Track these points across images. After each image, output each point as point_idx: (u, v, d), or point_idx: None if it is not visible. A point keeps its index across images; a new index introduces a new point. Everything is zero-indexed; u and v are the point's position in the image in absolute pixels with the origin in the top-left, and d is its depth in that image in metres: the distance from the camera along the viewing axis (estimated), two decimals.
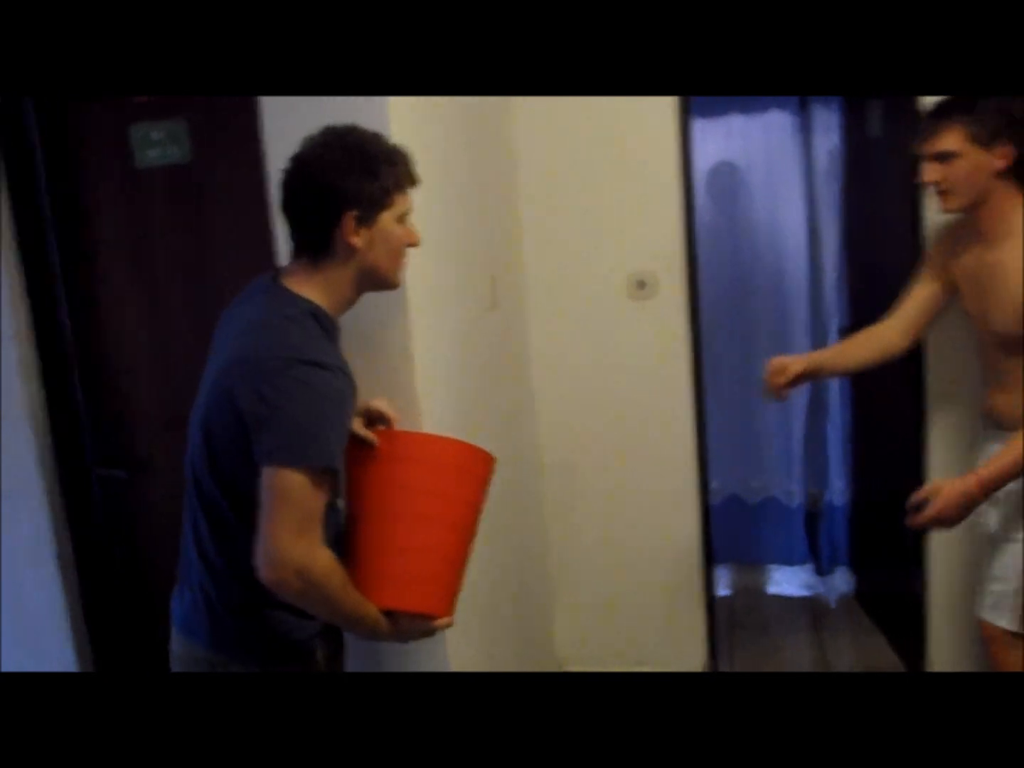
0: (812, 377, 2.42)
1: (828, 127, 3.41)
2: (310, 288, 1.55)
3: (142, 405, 2.34)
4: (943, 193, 2.08)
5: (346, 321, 1.66)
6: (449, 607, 1.70)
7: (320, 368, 1.46)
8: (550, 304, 2.94)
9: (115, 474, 2.37)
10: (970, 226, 2.15)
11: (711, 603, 3.04)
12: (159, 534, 2.38)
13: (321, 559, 1.47)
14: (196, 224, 2.21)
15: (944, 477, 2.32)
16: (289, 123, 1.88)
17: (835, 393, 3.63)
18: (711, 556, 3.02)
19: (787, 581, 3.77)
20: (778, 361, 2.33)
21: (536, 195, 2.88)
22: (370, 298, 1.69)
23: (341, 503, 1.68)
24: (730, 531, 3.87)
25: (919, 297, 2.34)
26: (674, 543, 3.01)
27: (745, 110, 3.60)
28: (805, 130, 3.49)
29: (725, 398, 3.71)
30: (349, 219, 1.51)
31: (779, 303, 3.69)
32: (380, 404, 1.76)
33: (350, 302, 1.61)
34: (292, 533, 1.43)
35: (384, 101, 1.81)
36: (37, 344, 2.32)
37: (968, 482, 1.93)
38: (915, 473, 2.78)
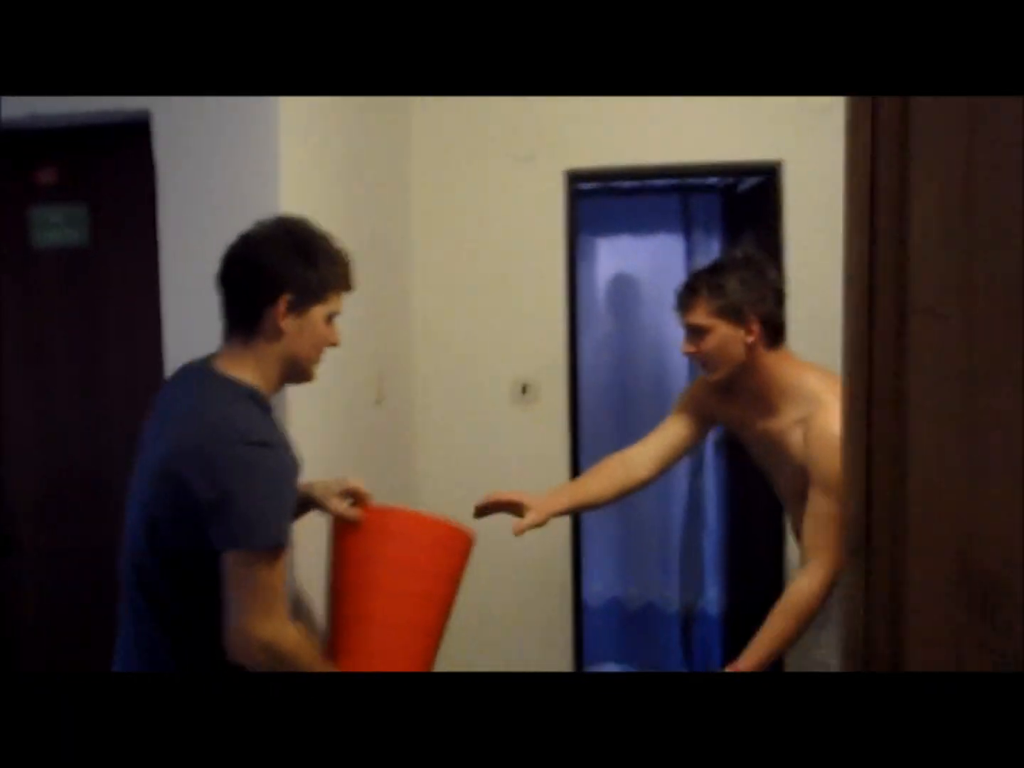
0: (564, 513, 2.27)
1: (708, 251, 3.65)
2: (243, 369, 1.58)
3: (16, 487, 2.32)
4: (703, 364, 2.09)
5: None
6: None
7: (267, 448, 1.49)
8: (436, 403, 3.04)
9: None
10: (743, 385, 2.11)
11: None
12: (28, 617, 2.33)
13: (291, 635, 1.50)
14: (87, 307, 2.25)
15: None
16: (186, 213, 1.98)
17: (712, 506, 3.78)
18: (582, 659, 3.08)
19: None
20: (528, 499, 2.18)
21: (429, 297, 3.01)
22: None
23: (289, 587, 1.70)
24: (610, 634, 3.94)
25: (673, 432, 2.28)
26: (548, 645, 3.06)
27: (636, 232, 3.83)
28: (690, 252, 3.72)
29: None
30: (283, 302, 1.55)
31: (660, 411, 3.84)
32: (357, 483, 1.81)
33: (276, 386, 1.64)
34: (259, 614, 1.46)
35: (276, 194, 1.93)
36: None
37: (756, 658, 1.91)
38: (780, 584, 2.92)
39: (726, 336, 2.02)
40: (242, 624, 1.46)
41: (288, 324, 1.57)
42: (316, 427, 2.10)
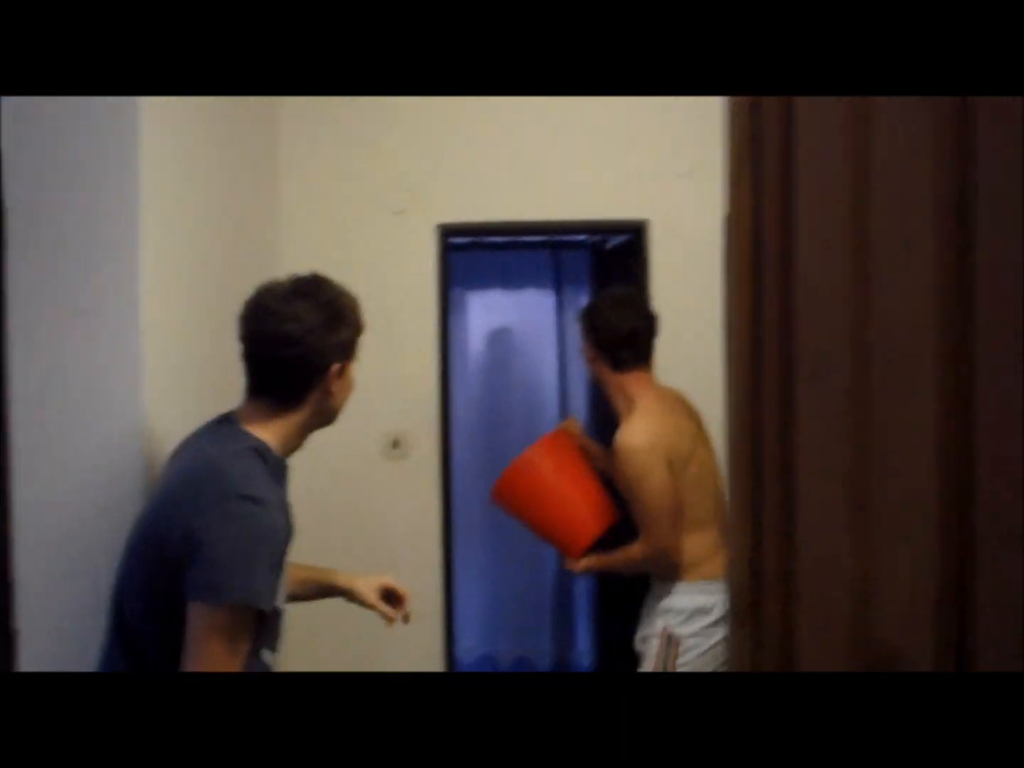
0: None
1: (577, 306, 3.71)
2: (266, 431, 1.57)
3: None
4: None
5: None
6: None
7: (253, 503, 1.44)
8: (304, 457, 2.94)
9: None
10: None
11: None
12: None
13: None
14: None
15: None
16: (33, 250, 1.87)
17: None
18: None
19: None
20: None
21: None
22: (111, 440, 1.72)
23: (268, 656, 1.60)
24: None
25: None
26: None
27: (507, 287, 3.87)
28: (559, 307, 3.78)
29: (478, 556, 3.79)
30: (334, 372, 1.58)
31: None
32: (388, 580, 1.94)
33: (300, 446, 1.66)
34: (212, 672, 1.40)
35: (136, 236, 1.85)
36: None
37: (588, 565, 2.57)
38: None
39: (583, 349, 2.53)
40: None
41: (335, 388, 1.61)
42: None
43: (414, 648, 2.97)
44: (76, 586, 1.86)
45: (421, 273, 2.95)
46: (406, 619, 1.93)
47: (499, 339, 3.92)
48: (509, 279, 3.86)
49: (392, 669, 2.98)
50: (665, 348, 2.89)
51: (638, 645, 2.53)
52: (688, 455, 2.41)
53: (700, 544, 2.40)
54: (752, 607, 0.64)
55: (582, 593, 3.81)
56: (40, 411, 1.88)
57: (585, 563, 2.55)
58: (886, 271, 0.55)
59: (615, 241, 3.31)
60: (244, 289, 2.23)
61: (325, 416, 1.66)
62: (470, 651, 3.86)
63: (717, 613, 2.35)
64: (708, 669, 2.37)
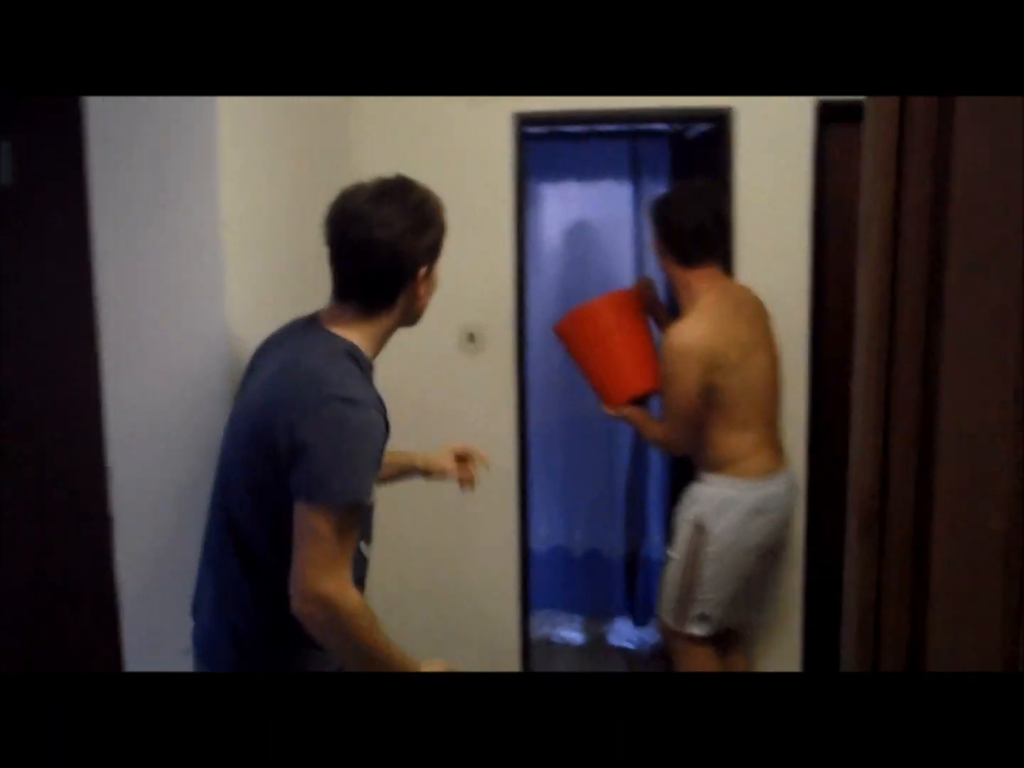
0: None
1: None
2: (354, 334, 1.61)
3: None
4: None
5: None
6: None
7: (353, 405, 1.49)
8: (382, 353, 2.96)
9: None
10: None
11: (527, 650, 3.09)
12: None
13: (350, 597, 1.48)
14: (12, 250, 2.12)
15: None
16: (117, 152, 1.88)
17: (655, 452, 3.78)
18: (528, 605, 3.09)
19: (611, 632, 3.87)
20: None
21: None
22: (195, 334, 1.73)
23: (363, 547, 1.69)
24: (553, 581, 3.95)
25: None
26: (494, 591, 3.05)
27: (583, 179, 3.76)
28: (637, 199, 3.67)
29: (552, 448, 3.81)
30: (422, 275, 1.61)
31: None
32: (459, 445, 2.12)
33: (384, 344, 1.70)
34: (321, 568, 1.44)
35: (215, 131, 1.84)
36: None
37: (622, 412, 2.72)
38: None
39: (654, 246, 2.60)
40: (303, 577, 1.45)
41: (423, 290, 1.65)
42: None
43: (489, 539, 3.03)
44: (166, 476, 1.93)
45: (497, 164, 2.89)
46: (468, 482, 2.11)
47: (575, 232, 3.85)
48: (586, 170, 3.74)
49: (469, 558, 3.05)
50: (748, 244, 2.81)
51: (675, 524, 2.63)
52: (739, 360, 2.44)
53: (740, 442, 2.48)
54: (878, 518, 0.62)
55: (655, 486, 3.81)
56: (126, 307, 1.92)
57: (617, 411, 2.73)
58: None
59: (696, 130, 3.19)
60: (320, 184, 2.22)
61: (411, 317, 1.69)
62: (544, 542, 3.92)
63: (750, 508, 2.46)
64: (738, 561, 2.48)
